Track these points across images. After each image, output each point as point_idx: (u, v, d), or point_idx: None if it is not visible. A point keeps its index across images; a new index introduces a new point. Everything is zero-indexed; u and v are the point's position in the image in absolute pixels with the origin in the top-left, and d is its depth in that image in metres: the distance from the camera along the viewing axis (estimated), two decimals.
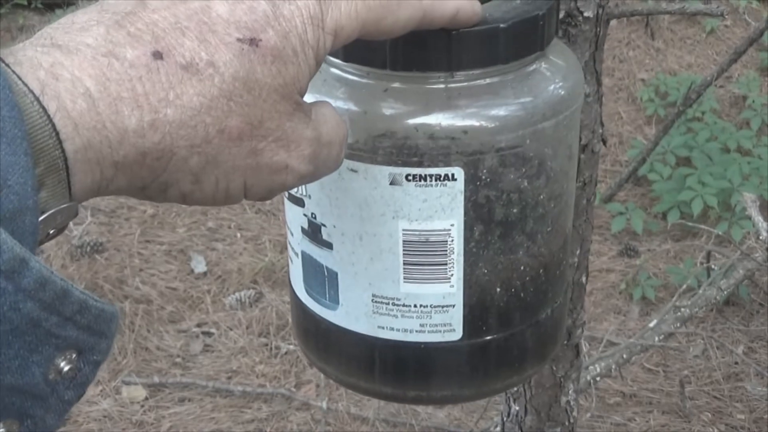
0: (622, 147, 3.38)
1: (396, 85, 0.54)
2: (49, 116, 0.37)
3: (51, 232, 0.39)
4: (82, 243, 2.80)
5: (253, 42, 0.41)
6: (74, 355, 0.37)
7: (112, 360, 2.44)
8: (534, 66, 0.56)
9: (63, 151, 0.37)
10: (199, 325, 2.59)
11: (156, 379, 2.40)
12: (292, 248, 0.62)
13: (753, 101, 3.45)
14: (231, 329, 2.56)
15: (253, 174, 0.44)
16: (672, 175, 3.04)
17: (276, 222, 2.97)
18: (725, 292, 2.04)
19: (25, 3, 4.14)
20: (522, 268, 0.58)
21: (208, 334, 2.57)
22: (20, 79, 0.37)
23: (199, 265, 2.79)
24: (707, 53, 3.88)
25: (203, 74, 0.40)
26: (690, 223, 2.62)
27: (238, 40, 0.41)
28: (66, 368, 0.37)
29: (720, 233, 2.45)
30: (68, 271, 2.67)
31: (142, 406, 2.35)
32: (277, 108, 0.43)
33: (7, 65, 0.37)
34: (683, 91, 2.80)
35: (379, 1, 0.46)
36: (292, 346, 2.49)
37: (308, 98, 0.56)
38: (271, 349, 2.50)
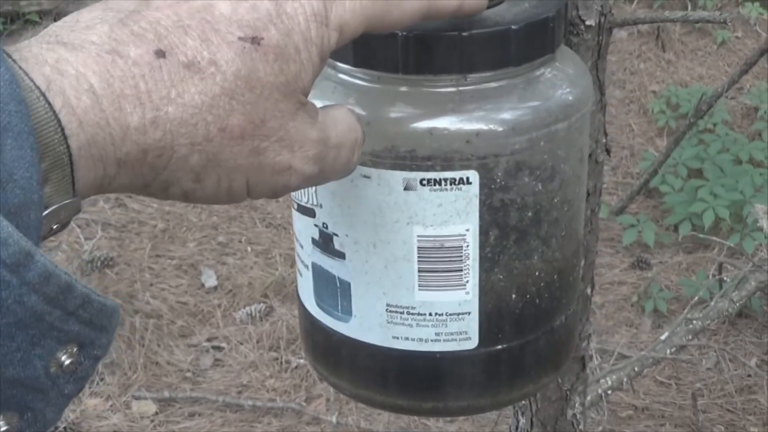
0: (633, 159, 3.37)
1: (408, 88, 0.54)
2: (54, 112, 0.37)
3: (54, 227, 0.39)
4: (92, 257, 2.79)
5: (255, 40, 0.41)
6: (75, 349, 0.37)
7: (122, 375, 2.44)
8: (543, 69, 0.56)
9: (68, 147, 0.38)
10: (209, 340, 2.58)
11: (166, 394, 2.39)
12: (302, 261, 0.61)
13: (765, 112, 3.43)
14: (241, 343, 2.55)
15: (255, 173, 0.44)
16: (683, 187, 3.03)
17: (287, 236, 2.97)
18: (737, 304, 2.02)
19: (38, 19, 4.15)
20: (537, 273, 0.58)
21: (219, 348, 2.56)
22: (27, 74, 0.37)
23: (210, 280, 2.78)
24: (718, 64, 3.87)
25: (205, 73, 0.40)
26: (702, 235, 2.60)
27: (240, 38, 0.41)
28: (67, 362, 0.37)
29: (732, 245, 2.44)
30: None
31: (152, 420, 2.34)
32: (279, 107, 0.43)
33: (14, 61, 0.37)
34: (694, 103, 2.79)
35: None
36: (302, 361, 2.48)
37: (318, 105, 0.55)
38: (281, 363, 2.49)
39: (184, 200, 0.44)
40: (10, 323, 0.34)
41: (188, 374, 2.47)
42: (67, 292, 0.36)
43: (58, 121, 0.37)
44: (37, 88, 0.37)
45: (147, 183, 0.42)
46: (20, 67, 0.37)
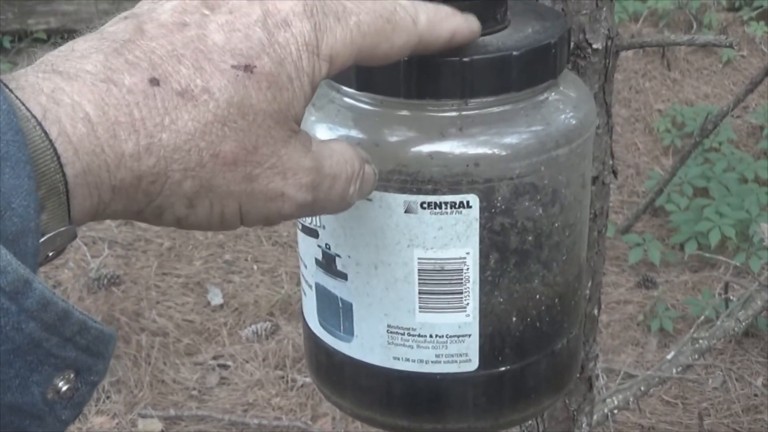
0: (639, 178, 3.37)
1: (410, 113, 0.54)
2: (50, 141, 0.38)
3: (50, 254, 0.39)
4: (99, 275, 2.80)
5: (248, 68, 0.42)
6: (72, 376, 0.38)
7: (129, 393, 2.44)
8: (546, 95, 0.56)
9: (64, 175, 0.38)
10: (215, 358, 2.58)
11: (172, 412, 2.39)
12: (306, 281, 0.62)
13: None
14: (247, 362, 2.55)
15: (248, 200, 0.44)
16: (689, 206, 3.03)
17: (293, 254, 2.97)
18: (744, 324, 2.01)
19: (44, 38, 4.17)
20: (538, 297, 0.58)
21: (225, 366, 2.56)
22: (23, 104, 0.38)
23: (216, 298, 2.78)
24: (724, 83, 3.87)
25: (198, 100, 0.41)
26: (708, 254, 2.60)
27: (233, 66, 0.42)
28: (64, 388, 0.38)
29: (738, 264, 2.43)
30: (85, 303, 2.67)
31: None
32: (271, 134, 0.43)
33: (11, 90, 0.38)
34: (700, 122, 2.79)
35: (374, 28, 0.46)
36: (308, 379, 2.48)
37: (322, 128, 0.56)
38: (287, 381, 2.49)
39: (177, 226, 0.44)
40: (9, 350, 0.35)
41: (194, 392, 2.47)
42: (64, 318, 0.36)
43: (54, 149, 0.38)
44: (34, 117, 0.38)
45: (141, 209, 0.42)
46: (17, 97, 0.38)
